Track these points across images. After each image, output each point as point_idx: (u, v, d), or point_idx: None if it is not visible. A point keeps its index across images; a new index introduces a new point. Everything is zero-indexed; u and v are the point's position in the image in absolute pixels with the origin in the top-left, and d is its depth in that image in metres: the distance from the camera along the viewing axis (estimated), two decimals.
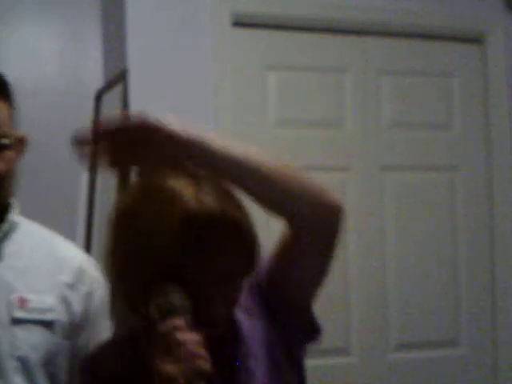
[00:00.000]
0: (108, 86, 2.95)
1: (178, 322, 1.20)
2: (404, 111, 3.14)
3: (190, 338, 1.19)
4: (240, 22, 2.90)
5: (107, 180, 2.90)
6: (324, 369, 2.77)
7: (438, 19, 3.15)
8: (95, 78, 3.03)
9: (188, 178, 1.31)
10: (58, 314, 1.57)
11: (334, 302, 2.85)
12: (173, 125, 1.30)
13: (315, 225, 1.34)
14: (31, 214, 2.91)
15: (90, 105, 3.02)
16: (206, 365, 1.18)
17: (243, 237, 1.29)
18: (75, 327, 1.60)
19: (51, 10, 3.02)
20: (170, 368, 1.17)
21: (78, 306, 1.60)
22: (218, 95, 2.83)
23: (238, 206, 1.32)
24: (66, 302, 1.59)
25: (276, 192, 1.31)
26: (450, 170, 3.19)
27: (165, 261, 1.25)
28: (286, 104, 2.99)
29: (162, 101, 2.77)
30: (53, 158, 2.97)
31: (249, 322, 1.39)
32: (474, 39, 3.22)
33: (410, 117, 3.15)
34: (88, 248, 2.95)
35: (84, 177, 2.99)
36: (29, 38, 2.99)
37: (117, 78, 2.85)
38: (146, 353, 1.23)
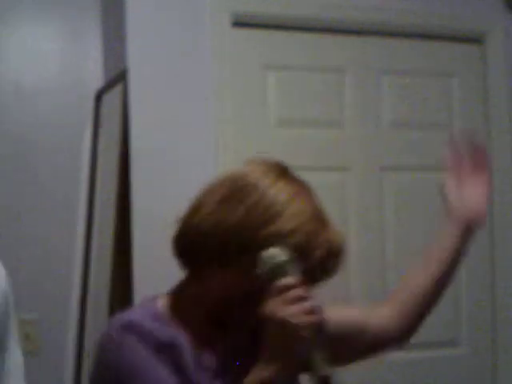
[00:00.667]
0: (108, 85, 2.95)
1: (293, 280, 1.28)
2: (404, 111, 3.14)
3: (308, 295, 1.28)
4: (240, 22, 2.90)
5: (107, 180, 2.90)
6: None
7: (438, 19, 3.15)
8: (95, 78, 3.03)
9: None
10: None
11: (333, 301, 2.85)
12: None
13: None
14: (31, 214, 2.93)
15: (90, 105, 3.02)
16: (322, 318, 1.31)
17: None
18: None
19: (51, 9, 3.02)
20: (296, 319, 1.25)
21: None
22: (217, 95, 2.83)
23: None
24: None
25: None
26: None
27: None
28: (286, 104, 2.99)
29: (162, 101, 2.77)
30: (53, 158, 2.97)
31: None
32: (474, 39, 3.22)
33: (409, 117, 3.15)
34: (88, 248, 2.95)
35: (84, 177, 2.99)
36: (29, 37, 2.99)
37: (117, 78, 2.85)
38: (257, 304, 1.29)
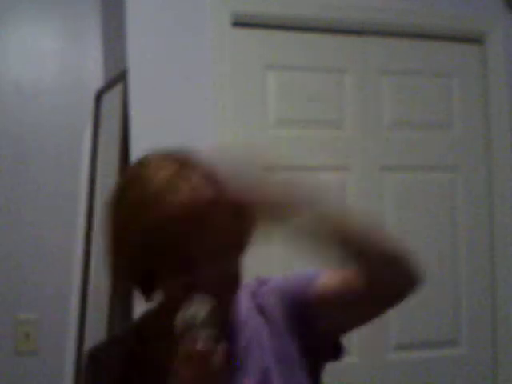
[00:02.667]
0: (108, 85, 2.95)
1: (201, 335, 1.23)
2: (404, 111, 3.14)
3: (209, 351, 1.22)
4: (240, 22, 2.90)
5: (107, 180, 2.90)
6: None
7: (438, 19, 3.15)
8: (95, 77, 3.03)
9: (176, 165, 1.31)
10: None
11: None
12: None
13: (391, 289, 1.36)
14: (32, 214, 2.92)
15: (90, 105, 3.02)
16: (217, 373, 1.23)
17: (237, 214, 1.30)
18: None
19: (51, 9, 3.02)
20: (187, 374, 1.21)
21: None
22: (217, 95, 2.83)
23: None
24: None
25: (371, 254, 1.32)
26: (449, 170, 3.19)
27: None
28: (286, 104, 2.99)
29: (162, 101, 2.77)
30: (53, 158, 2.97)
31: (256, 320, 1.40)
32: (474, 39, 3.22)
33: (410, 117, 3.15)
34: (88, 248, 2.95)
35: (84, 176, 2.99)
36: (29, 37, 2.99)
37: (117, 78, 2.85)
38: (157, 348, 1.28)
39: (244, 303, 1.42)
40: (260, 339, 1.39)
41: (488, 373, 3.16)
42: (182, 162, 1.32)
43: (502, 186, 3.19)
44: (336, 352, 1.43)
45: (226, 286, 1.32)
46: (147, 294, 1.35)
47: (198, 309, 1.26)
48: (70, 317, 2.94)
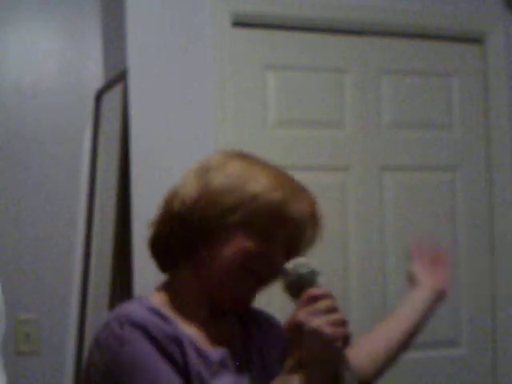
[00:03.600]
0: (108, 86, 2.95)
1: (321, 290, 1.30)
2: (404, 111, 3.14)
3: (337, 306, 1.29)
4: (240, 22, 2.90)
5: (107, 180, 2.90)
6: None
7: (438, 19, 3.15)
8: (95, 77, 3.03)
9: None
10: None
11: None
12: None
13: None
14: (31, 214, 2.92)
15: (90, 105, 3.02)
16: (350, 331, 1.29)
17: None
18: None
19: (51, 9, 3.02)
20: (329, 329, 1.25)
21: None
22: (217, 95, 2.83)
23: None
24: None
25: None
26: (449, 169, 3.19)
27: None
28: (286, 104, 2.99)
29: (162, 101, 2.77)
30: (53, 158, 2.97)
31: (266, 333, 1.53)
32: (474, 39, 3.22)
33: (410, 117, 3.15)
34: (88, 248, 2.95)
35: (84, 177, 2.99)
36: (29, 37, 2.99)
37: (117, 78, 2.85)
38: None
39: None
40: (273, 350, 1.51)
41: (488, 373, 3.16)
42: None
43: (501, 186, 3.19)
44: None
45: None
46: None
47: (302, 263, 1.34)
48: (70, 317, 2.94)
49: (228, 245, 1.38)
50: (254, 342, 1.49)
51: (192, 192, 1.41)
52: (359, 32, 3.08)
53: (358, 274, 3.01)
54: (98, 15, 3.05)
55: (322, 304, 1.27)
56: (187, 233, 1.41)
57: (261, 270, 1.40)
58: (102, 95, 2.99)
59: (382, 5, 3.07)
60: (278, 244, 1.41)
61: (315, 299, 1.27)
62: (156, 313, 1.36)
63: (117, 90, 2.84)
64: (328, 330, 1.24)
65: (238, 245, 1.38)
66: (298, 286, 1.31)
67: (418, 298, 1.75)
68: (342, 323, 1.27)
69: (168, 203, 1.46)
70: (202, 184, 1.41)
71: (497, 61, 3.21)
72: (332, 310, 1.27)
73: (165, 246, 1.45)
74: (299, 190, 1.46)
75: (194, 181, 1.42)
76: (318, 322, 1.25)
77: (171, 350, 1.32)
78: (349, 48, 3.08)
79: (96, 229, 2.94)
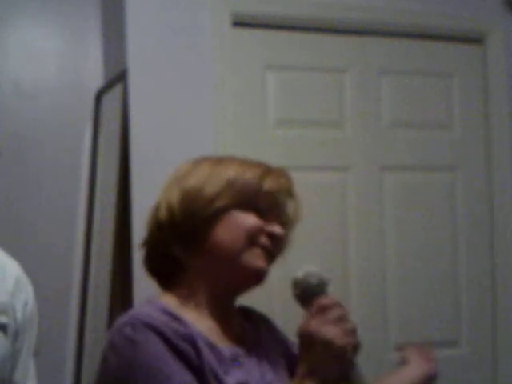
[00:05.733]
0: (108, 85, 2.95)
1: (332, 300, 1.33)
2: (404, 111, 3.14)
3: (348, 315, 1.32)
4: (240, 22, 2.90)
5: (107, 180, 2.90)
6: None
7: (438, 19, 3.15)
8: (95, 77, 3.03)
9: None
10: (9, 318, 1.56)
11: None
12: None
13: None
14: (31, 214, 2.92)
15: (90, 105, 3.02)
16: (360, 341, 1.32)
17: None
18: (16, 334, 1.59)
19: (51, 9, 3.02)
20: (341, 340, 1.29)
21: (19, 313, 1.60)
22: (217, 95, 2.83)
23: None
24: (11, 308, 1.58)
25: None
26: (450, 169, 3.19)
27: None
28: (286, 104, 2.99)
29: (162, 101, 2.77)
30: (53, 158, 2.97)
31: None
32: (474, 39, 3.22)
33: (409, 117, 3.15)
34: (88, 247, 2.95)
35: (84, 176, 2.99)
36: (29, 37, 2.99)
37: (117, 78, 2.85)
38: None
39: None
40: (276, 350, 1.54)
41: (488, 373, 3.16)
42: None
43: (501, 186, 3.19)
44: None
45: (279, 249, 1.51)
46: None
47: (312, 273, 1.37)
48: (70, 317, 2.94)
49: (223, 227, 1.44)
50: (261, 338, 1.53)
51: (173, 198, 1.47)
52: (359, 32, 3.08)
53: (357, 274, 3.01)
54: (97, 15, 3.05)
55: (333, 314, 1.31)
56: (182, 235, 1.45)
57: (263, 241, 1.46)
58: (102, 95, 2.99)
59: (382, 5, 3.07)
60: (268, 217, 1.48)
61: (326, 309, 1.31)
62: (168, 313, 1.38)
63: (117, 90, 2.84)
64: (340, 340, 1.29)
65: (232, 223, 1.44)
66: (309, 296, 1.35)
67: (407, 375, 1.76)
68: (353, 332, 1.31)
69: (154, 218, 1.50)
70: (180, 188, 1.48)
71: (497, 61, 3.21)
72: (342, 319, 1.31)
73: (163, 260, 1.48)
74: (271, 169, 1.53)
75: (172, 188, 1.50)
76: (330, 332, 1.29)
77: (184, 348, 1.34)
78: (349, 48, 3.08)
79: (96, 229, 2.94)
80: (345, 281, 2.99)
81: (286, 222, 1.53)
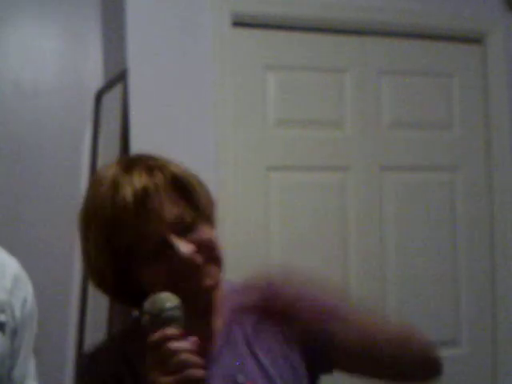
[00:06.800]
0: (108, 85, 2.95)
1: (169, 331, 1.19)
2: (404, 111, 3.14)
3: (182, 347, 1.18)
4: (240, 22, 2.90)
5: None
6: None
7: (438, 19, 3.15)
8: (95, 77, 3.03)
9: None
10: (7, 316, 1.56)
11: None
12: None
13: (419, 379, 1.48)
14: (31, 214, 2.92)
15: (90, 105, 3.02)
16: (198, 372, 1.18)
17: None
18: (14, 332, 1.59)
19: (51, 10, 3.02)
20: (163, 380, 1.16)
21: (17, 311, 1.60)
22: (218, 95, 2.83)
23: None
24: (9, 306, 1.58)
25: (387, 360, 1.41)
26: (449, 169, 3.19)
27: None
28: (286, 104, 2.99)
29: (162, 101, 2.77)
30: (53, 158, 2.97)
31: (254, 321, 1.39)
32: (474, 39, 3.23)
33: (409, 117, 3.15)
34: None
35: (84, 176, 2.99)
36: (29, 38, 2.99)
37: (117, 78, 2.85)
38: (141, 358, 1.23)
39: (234, 301, 1.38)
40: (263, 344, 1.38)
41: (488, 373, 3.16)
42: (127, 161, 1.41)
43: (501, 187, 3.19)
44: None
45: (205, 255, 1.31)
46: (127, 300, 1.37)
47: (163, 299, 1.22)
48: (70, 317, 2.94)
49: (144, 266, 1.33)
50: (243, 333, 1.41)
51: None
52: (359, 32, 3.08)
53: (357, 274, 3.01)
54: (97, 15, 3.05)
55: (163, 350, 1.18)
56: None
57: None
58: (102, 95, 2.99)
59: (382, 5, 3.07)
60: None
61: (159, 344, 1.18)
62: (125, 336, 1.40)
63: (117, 90, 2.84)
64: (161, 380, 1.16)
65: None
66: (151, 326, 1.21)
67: None
68: (180, 369, 1.17)
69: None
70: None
71: (497, 61, 3.21)
72: (173, 353, 1.17)
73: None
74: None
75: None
76: (154, 373, 1.18)
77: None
78: (349, 48, 3.08)
79: None
80: (345, 281, 2.99)
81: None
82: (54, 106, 2.99)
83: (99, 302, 2.82)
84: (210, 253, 1.33)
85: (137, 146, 2.71)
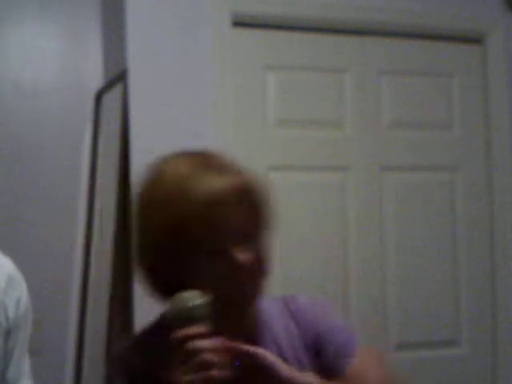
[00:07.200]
0: (108, 85, 2.95)
1: (193, 330, 1.19)
2: (404, 111, 3.14)
3: (205, 346, 1.17)
4: (240, 22, 2.90)
5: (107, 180, 2.90)
6: None
7: (438, 19, 3.15)
8: (95, 77, 3.03)
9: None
10: (0, 317, 1.56)
11: (334, 301, 2.85)
12: (284, 370, 1.28)
13: None
14: (31, 214, 2.92)
15: (90, 105, 3.02)
16: (220, 373, 1.17)
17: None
18: (8, 332, 1.59)
19: (51, 10, 3.02)
20: (184, 379, 1.16)
21: (11, 311, 1.59)
22: (218, 95, 2.83)
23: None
24: (3, 306, 1.58)
25: None
26: (450, 169, 3.19)
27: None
28: (286, 104, 2.99)
29: (162, 101, 2.77)
30: (53, 158, 2.97)
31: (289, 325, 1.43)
32: (474, 39, 3.22)
33: (410, 117, 3.15)
34: (88, 248, 2.95)
35: (84, 177, 2.99)
36: (29, 37, 2.99)
37: (117, 78, 2.85)
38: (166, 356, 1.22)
39: (273, 308, 1.43)
40: (293, 346, 1.41)
41: (488, 373, 3.16)
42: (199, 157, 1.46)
43: (501, 186, 3.19)
44: None
45: (258, 266, 1.33)
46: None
47: (189, 297, 1.21)
48: (70, 317, 2.94)
49: None
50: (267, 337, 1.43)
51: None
52: (359, 32, 3.08)
53: (357, 274, 3.01)
54: (98, 15, 3.05)
55: (184, 351, 1.17)
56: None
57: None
58: (102, 95, 2.99)
59: (382, 5, 3.07)
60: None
61: (181, 343, 1.18)
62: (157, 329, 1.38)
63: (117, 90, 2.84)
64: (183, 379, 1.16)
65: None
66: (177, 323, 1.20)
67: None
68: (205, 367, 1.17)
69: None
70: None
71: (497, 61, 3.21)
72: (194, 353, 1.17)
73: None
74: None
75: None
76: (177, 371, 1.17)
77: None
78: (349, 48, 3.08)
79: (96, 229, 2.94)
80: (345, 281, 2.99)
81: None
82: (54, 106, 2.99)
83: (99, 302, 2.82)
84: (262, 265, 1.35)
85: (137, 146, 2.71)
